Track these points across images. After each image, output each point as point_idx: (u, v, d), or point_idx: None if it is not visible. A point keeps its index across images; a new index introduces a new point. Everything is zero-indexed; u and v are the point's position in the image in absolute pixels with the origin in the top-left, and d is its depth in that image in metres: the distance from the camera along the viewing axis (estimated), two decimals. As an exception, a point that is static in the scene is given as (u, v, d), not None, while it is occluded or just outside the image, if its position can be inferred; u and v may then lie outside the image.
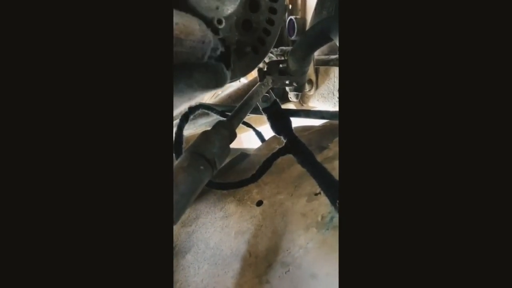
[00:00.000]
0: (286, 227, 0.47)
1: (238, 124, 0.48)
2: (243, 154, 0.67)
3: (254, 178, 0.47)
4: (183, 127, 0.48)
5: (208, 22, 0.44)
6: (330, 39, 0.43)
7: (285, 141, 0.51)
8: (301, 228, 0.46)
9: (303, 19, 1.14)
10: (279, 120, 0.54)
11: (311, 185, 0.51)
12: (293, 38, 1.16)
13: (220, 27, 0.44)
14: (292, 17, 1.10)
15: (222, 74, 0.40)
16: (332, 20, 0.41)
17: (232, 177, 0.63)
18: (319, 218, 0.45)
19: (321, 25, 0.42)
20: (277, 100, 0.58)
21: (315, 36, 0.43)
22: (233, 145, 0.47)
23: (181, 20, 0.34)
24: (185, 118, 0.48)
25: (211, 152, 0.39)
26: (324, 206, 0.47)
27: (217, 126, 0.43)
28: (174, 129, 0.51)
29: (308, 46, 0.46)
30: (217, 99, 0.84)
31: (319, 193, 0.49)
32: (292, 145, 0.50)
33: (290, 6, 1.20)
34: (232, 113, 0.48)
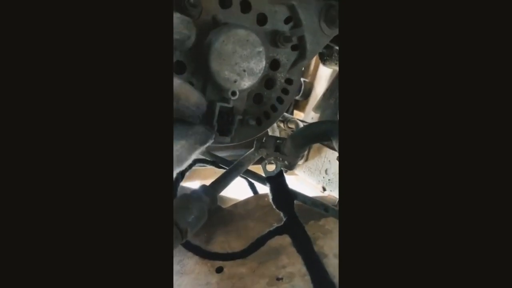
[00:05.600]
0: (238, 309, 0.46)
1: (222, 190, 0.48)
2: (217, 208, 0.66)
3: (244, 254, 0.46)
4: (178, 185, 0.47)
5: (223, 92, 0.45)
6: (330, 140, 0.44)
7: (284, 219, 0.50)
8: (253, 315, 0.44)
9: (311, 83, 1.19)
10: (282, 195, 0.53)
11: (276, 266, 0.50)
12: (297, 98, 1.21)
13: (233, 98, 0.45)
14: (302, 79, 1.15)
15: (207, 135, 0.40)
16: (336, 125, 0.43)
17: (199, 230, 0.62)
18: (274, 310, 0.44)
19: (326, 126, 0.44)
20: (283, 172, 0.57)
21: (318, 133, 0.45)
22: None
23: (183, 86, 0.36)
24: (181, 175, 0.47)
25: (186, 222, 0.38)
26: (282, 296, 0.45)
27: (199, 191, 0.42)
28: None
29: (308, 139, 0.47)
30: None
31: (281, 279, 0.48)
32: (291, 226, 0.49)
33: (303, 68, 1.25)
34: (218, 178, 0.48)
